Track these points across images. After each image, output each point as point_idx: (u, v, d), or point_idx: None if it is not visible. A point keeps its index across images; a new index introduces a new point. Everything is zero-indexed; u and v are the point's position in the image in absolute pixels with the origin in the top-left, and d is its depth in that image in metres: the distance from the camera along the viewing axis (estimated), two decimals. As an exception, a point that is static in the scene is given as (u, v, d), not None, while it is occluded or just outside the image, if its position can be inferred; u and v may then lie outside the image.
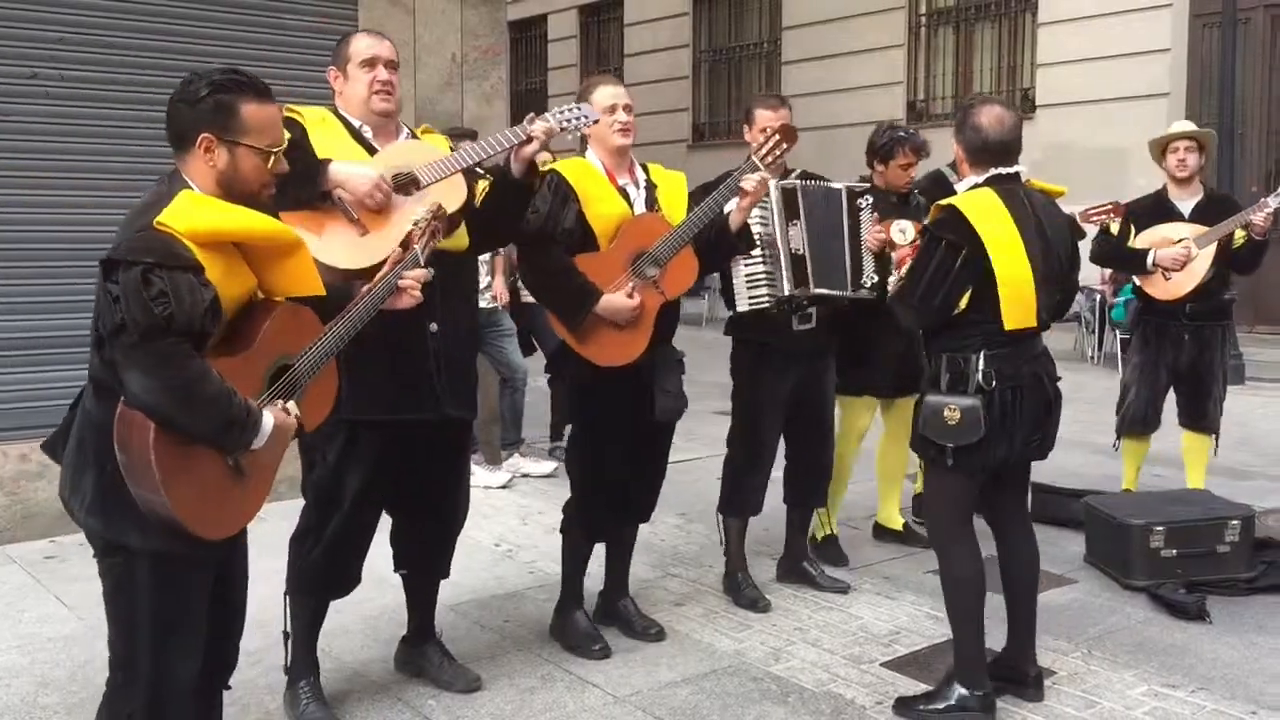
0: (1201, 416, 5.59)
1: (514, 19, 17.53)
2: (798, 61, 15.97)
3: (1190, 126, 5.60)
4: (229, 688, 2.86)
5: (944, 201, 3.56)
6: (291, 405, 2.56)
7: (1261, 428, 7.99)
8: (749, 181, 3.97)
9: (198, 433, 2.35)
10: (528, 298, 6.89)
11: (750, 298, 4.41)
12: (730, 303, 4.53)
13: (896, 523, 5.37)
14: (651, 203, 4.05)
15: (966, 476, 3.55)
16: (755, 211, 4.33)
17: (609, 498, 4.05)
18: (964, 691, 3.52)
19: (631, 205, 3.97)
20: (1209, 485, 5.70)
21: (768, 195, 4.35)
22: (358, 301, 2.77)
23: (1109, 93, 12.40)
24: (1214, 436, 5.63)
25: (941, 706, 3.54)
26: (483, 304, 6.52)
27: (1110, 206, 5.34)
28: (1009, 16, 14.04)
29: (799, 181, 4.51)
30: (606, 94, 3.96)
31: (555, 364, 4.18)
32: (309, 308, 2.65)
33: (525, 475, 6.70)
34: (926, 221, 3.67)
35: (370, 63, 3.45)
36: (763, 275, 4.40)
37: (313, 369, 2.62)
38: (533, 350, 7.21)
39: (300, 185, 3.14)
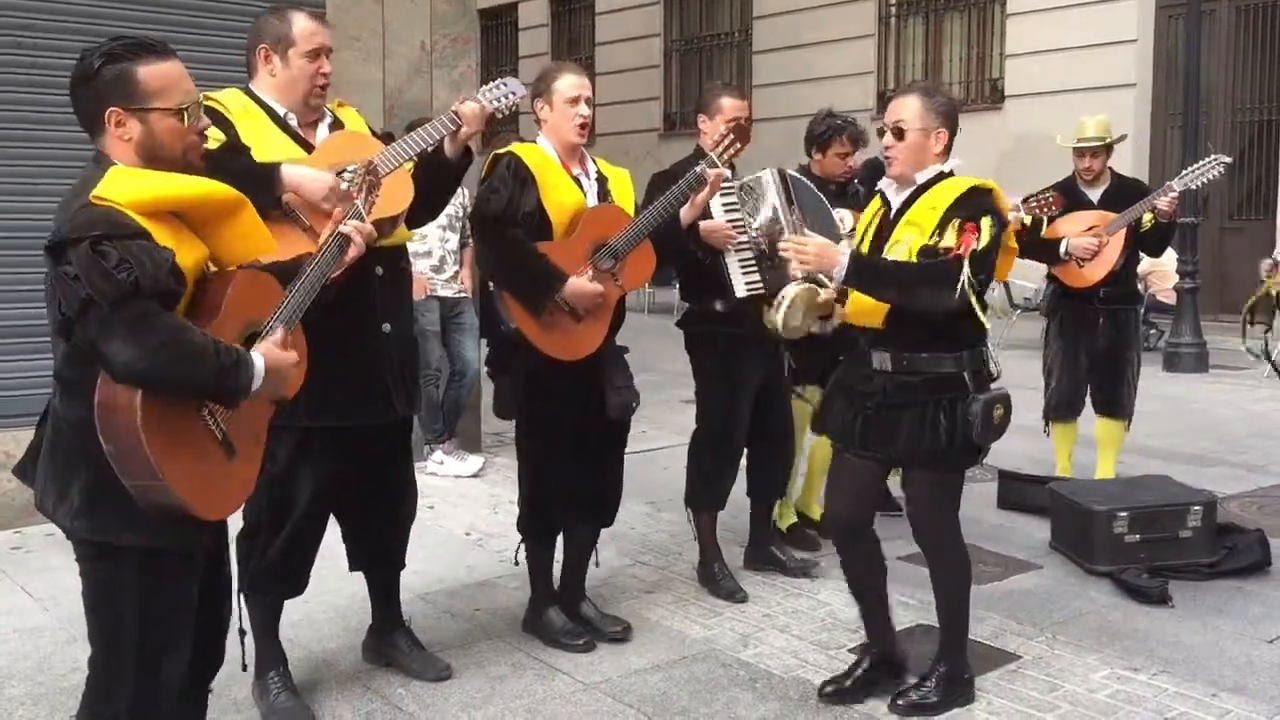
0: (1114, 403, 5.68)
1: (484, 7, 17.43)
2: (768, 51, 16.02)
3: (1093, 128, 5.58)
4: (210, 690, 2.83)
5: (977, 183, 3.43)
6: (276, 348, 2.50)
7: (1224, 415, 8.09)
8: (708, 176, 3.97)
9: (198, 384, 2.30)
10: (499, 286, 6.89)
11: (748, 284, 4.40)
12: (698, 296, 4.52)
13: (815, 511, 5.32)
14: (604, 195, 4.02)
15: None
16: (728, 200, 4.37)
17: (558, 494, 4.01)
18: (956, 674, 3.58)
19: (585, 195, 3.95)
20: (1172, 472, 5.77)
21: (761, 185, 4.41)
22: (313, 263, 2.68)
23: (1076, 83, 12.51)
24: (1127, 421, 5.72)
25: (941, 693, 3.54)
26: (449, 293, 6.50)
27: (1051, 197, 5.33)
28: (978, 7, 14.14)
29: (791, 171, 4.57)
30: (571, 84, 3.88)
31: (500, 356, 4.02)
32: (266, 274, 2.59)
33: (455, 476, 6.38)
34: (971, 207, 3.35)
35: (316, 53, 3.32)
36: (753, 261, 4.41)
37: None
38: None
39: (255, 192, 3.06)
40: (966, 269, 3.29)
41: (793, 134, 5.02)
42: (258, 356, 2.42)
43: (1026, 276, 9.45)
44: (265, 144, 3.26)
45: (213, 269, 2.50)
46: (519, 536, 4.17)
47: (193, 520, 2.38)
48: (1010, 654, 3.93)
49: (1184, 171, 5.42)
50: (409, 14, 6.57)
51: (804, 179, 4.67)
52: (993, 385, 3.47)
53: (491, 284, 4.00)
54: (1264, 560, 4.75)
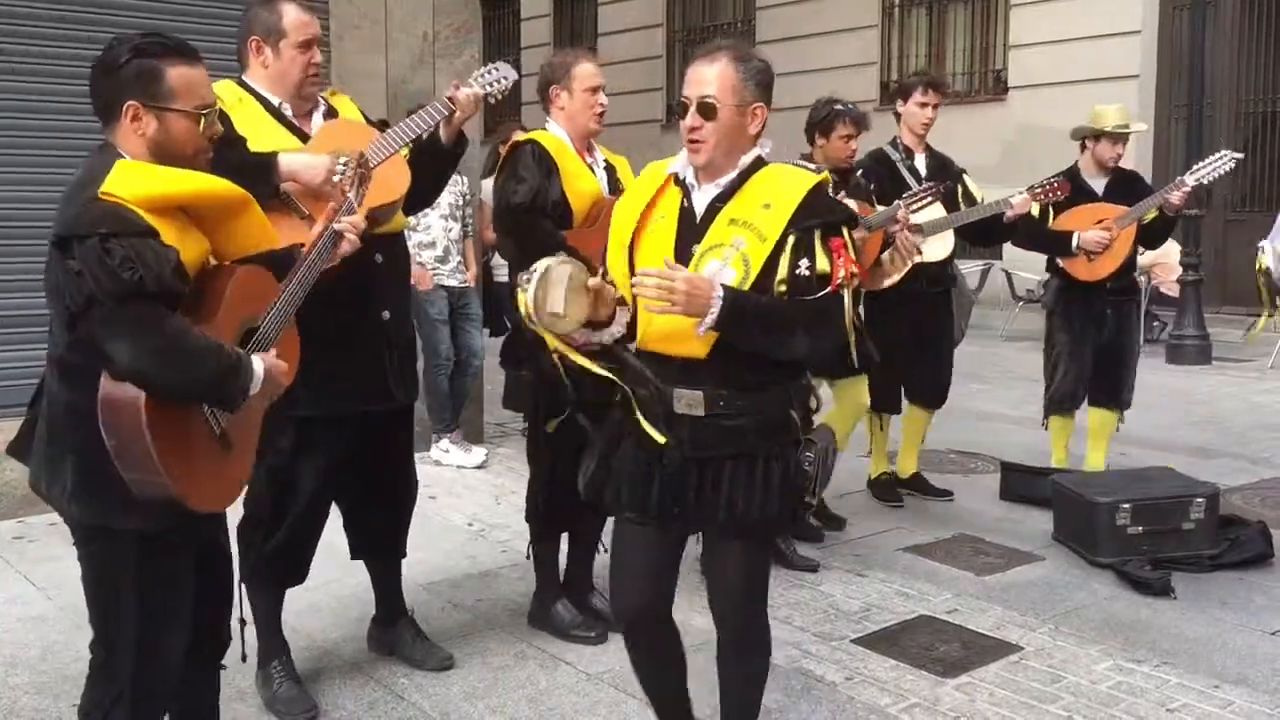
0: (1116, 394, 5.68)
1: (487, -3, 17.40)
2: (772, 42, 15.94)
3: (1122, 117, 5.55)
4: (224, 666, 2.86)
5: (815, 176, 2.77)
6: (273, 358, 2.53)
7: (1227, 407, 8.08)
8: None
9: (196, 388, 2.31)
10: (500, 277, 6.88)
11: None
12: None
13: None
14: (615, 183, 4.03)
15: None
16: None
17: (571, 488, 3.95)
18: None
19: (599, 183, 3.95)
20: (1175, 463, 5.78)
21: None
22: (305, 257, 2.69)
23: (1080, 74, 12.48)
24: (1121, 413, 5.73)
25: None
26: (455, 283, 6.49)
27: (1057, 182, 5.30)
28: (982, -2, 14.10)
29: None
30: (590, 72, 3.91)
31: (516, 348, 3.93)
32: (265, 269, 2.60)
33: (458, 467, 6.40)
34: (825, 212, 2.70)
35: (307, 45, 3.33)
36: None
37: (278, 329, 2.58)
38: (506, 330, 7.17)
39: (254, 183, 3.04)
40: (848, 302, 2.66)
41: (795, 125, 4.99)
42: (257, 362, 2.42)
43: (1029, 268, 9.44)
44: (260, 133, 3.27)
45: (212, 262, 2.51)
46: (525, 528, 4.16)
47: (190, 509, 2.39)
48: (1012, 645, 3.94)
49: (1196, 166, 5.39)
50: (411, 3, 6.55)
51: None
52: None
53: (497, 276, 3.98)
54: (1266, 552, 4.76)
